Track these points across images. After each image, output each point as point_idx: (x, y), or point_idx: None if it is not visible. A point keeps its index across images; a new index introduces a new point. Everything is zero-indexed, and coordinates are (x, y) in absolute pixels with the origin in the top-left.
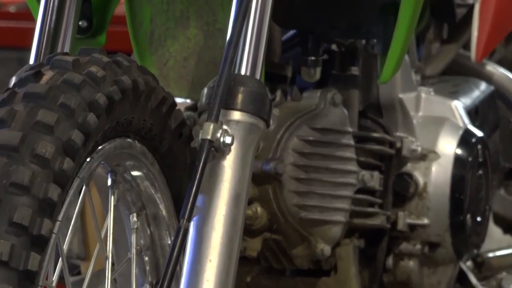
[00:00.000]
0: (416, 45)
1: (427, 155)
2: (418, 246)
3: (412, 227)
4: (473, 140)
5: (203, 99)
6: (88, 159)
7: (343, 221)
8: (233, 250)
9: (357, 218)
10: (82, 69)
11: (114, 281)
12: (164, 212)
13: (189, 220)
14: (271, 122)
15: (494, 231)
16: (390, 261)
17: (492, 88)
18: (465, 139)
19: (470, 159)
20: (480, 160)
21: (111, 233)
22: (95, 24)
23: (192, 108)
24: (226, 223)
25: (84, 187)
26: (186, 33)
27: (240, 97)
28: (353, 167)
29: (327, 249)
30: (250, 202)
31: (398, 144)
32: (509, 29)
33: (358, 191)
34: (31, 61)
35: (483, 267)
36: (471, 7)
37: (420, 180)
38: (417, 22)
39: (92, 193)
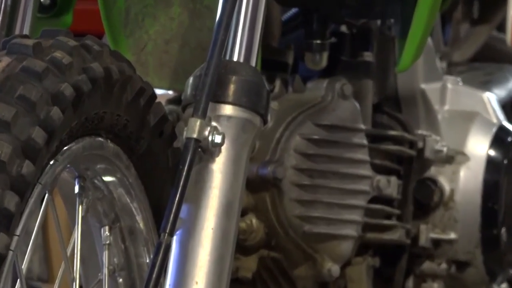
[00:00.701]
0: (441, 26)
1: (454, 157)
2: (444, 266)
3: (437, 243)
4: (509, 139)
5: (188, 90)
6: (51, 162)
7: (354, 235)
8: (224, 271)
9: (371, 232)
10: (44, 54)
11: None
12: (141, 225)
13: (171, 234)
14: (268, 117)
15: None
16: (410, 283)
17: None
18: (500, 138)
19: (505, 161)
20: None
21: (79, 250)
22: (60, 1)
23: (175, 101)
24: (215, 238)
25: (46, 195)
26: (168, 11)
27: (232, 88)
28: (366, 171)
29: (335, 269)
30: (244, 213)
31: (420, 144)
32: None
33: (372, 200)
34: None
35: None
36: None
37: (446, 186)
38: None
39: (56, 202)
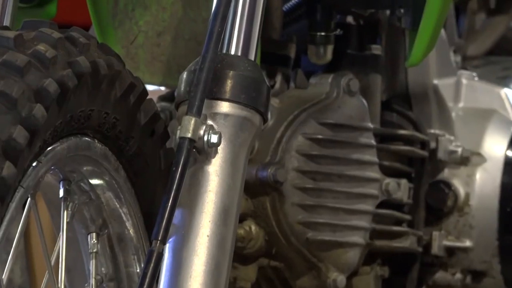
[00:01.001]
0: (455, 17)
1: (470, 158)
2: (458, 276)
3: (451, 251)
4: None
5: (182, 86)
6: (34, 164)
7: (361, 243)
8: (220, 281)
9: (380, 240)
10: (26, 47)
11: None
12: (131, 232)
13: (163, 242)
14: (269, 115)
15: None
16: None
17: None
18: None
19: None
20: None
21: (64, 259)
22: None
23: (168, 98)
24: (211, 246)
25: (29, 199)
26: (160, 1)
27: (229, 83)
28: (374, 173)
29: (341, 279)
30: (242, 219)
31: (433, 144)
32: None
33: (381, 205)
34: None
35: None
36: None
37: (461, 190)
38: None
39: (39, 207)
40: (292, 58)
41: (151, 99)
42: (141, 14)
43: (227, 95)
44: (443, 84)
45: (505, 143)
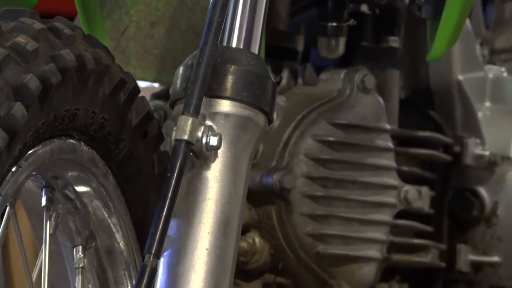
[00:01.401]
0: (482, 5)
1: (498, 164)
2: None
3: (477, 266)
4: None
5: (178, 83)
6: (13, 169)
7: (378, 257)
8: None
9: (398, 254)
10: (4, 39)
11: None
12: (121, 245)
13: (157, 255)
14: (274, 115)
15: None
16: None
17: None
18: None
19: None
20: None
21: (46, 275)
22: None
23: (162, 95)
24: (210, 261)
25: (7, 208)
26: None
27: (230, 79)
28: (392, 180)
29: None
30: (245, 230)
31: (457, 148)
32: None
33: (400, 215)
34: None
35: None
36: None
37: (488, 199)
38: None
39: (19, 217)
40: (300, 51)
41: (143, 97)
42: (133, 3)
43: (228, 93)
44: (469, 80)
45: None
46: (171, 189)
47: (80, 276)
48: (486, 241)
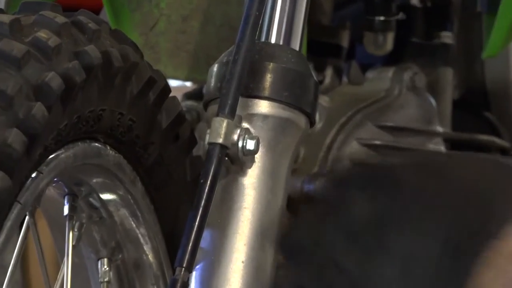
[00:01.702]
0: None
1: None
2: None
3: None
4: None
5: (212, 82)
6: (33, 175)
7: None
8: None
9: None
10: (24, 34)
11: None
12: (150, 257)
13: (189, 269)
14: (317, 117)
15: None
16: None
17: None
18: None
19: None
20: None
21: None
22: None
23: (195, 95)
24: (246, 274)
25: (27, 217)
26: None
27: (268, 78)
28: None
29: None
30: None
31: None
32: None
33: None
34: None
35: None
36: None
37: None
38: None
39: (39, 226)
40: (345, 48)
41: (174, 97)
42: None
43: (266, 92)
44: None
45: None
46: (204, 197)
47: None
48: None
